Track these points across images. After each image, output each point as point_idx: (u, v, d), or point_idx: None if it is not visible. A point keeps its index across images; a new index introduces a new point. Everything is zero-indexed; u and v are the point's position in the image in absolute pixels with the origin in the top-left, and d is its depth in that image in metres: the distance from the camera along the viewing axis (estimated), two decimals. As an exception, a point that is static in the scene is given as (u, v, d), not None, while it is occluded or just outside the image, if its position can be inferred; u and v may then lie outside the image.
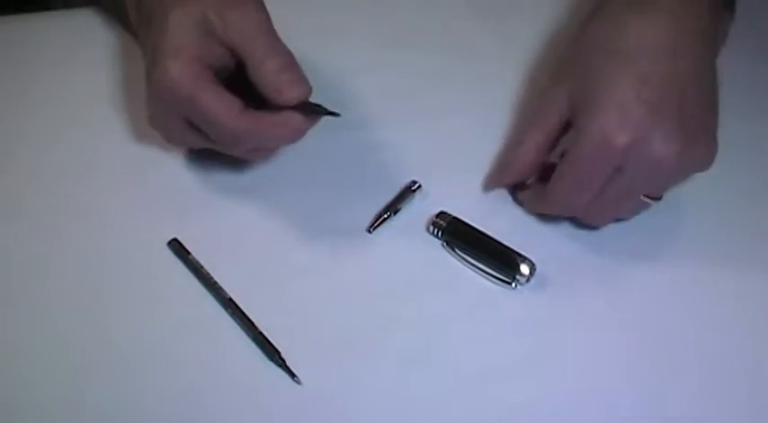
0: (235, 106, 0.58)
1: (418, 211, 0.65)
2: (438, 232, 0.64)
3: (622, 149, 0.58)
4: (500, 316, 0.61)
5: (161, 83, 0.58)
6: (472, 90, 0.73)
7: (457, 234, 0.64)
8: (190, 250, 0.62)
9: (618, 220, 0.64)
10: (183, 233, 0.63)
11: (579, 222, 0.65)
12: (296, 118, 0.58)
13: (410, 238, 0.64)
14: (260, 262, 0.63)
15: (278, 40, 0.60)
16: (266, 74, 0.58)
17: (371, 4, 0.78)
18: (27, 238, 0.63)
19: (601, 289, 0.63)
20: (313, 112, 0.59)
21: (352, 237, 0.64)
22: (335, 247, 0.64)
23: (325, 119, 0.60)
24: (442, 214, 0.64)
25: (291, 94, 0.58)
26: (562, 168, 0.60)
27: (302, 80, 0.59)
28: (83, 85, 0.71)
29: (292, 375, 0.58)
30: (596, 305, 0.62)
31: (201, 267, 0.62)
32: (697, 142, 0.59)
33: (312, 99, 0.60)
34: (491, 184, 0.67)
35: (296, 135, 0.59)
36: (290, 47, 0.60)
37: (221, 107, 0.58)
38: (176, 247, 0.63)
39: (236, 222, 0.64)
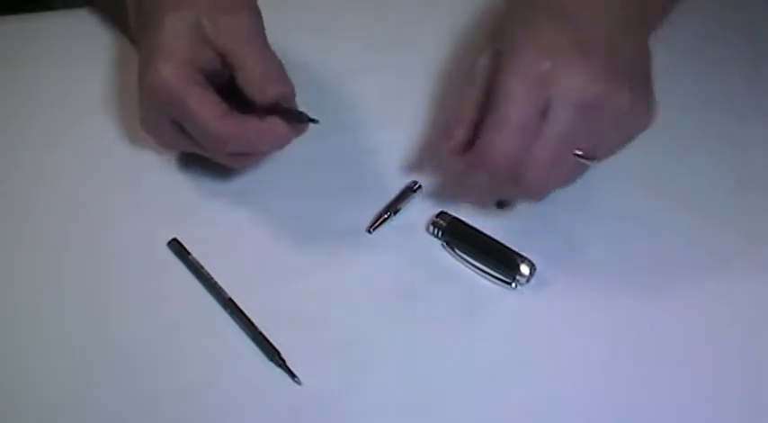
0: (219, 109, 0.59)
1: (418, 211, 0.65)
2: (438, 232, 0.64)
3: (546, 76, 0.56)
4: (500, 316, 0.61)
5: (151, 84, 0.59)
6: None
7: (457, 234, 0.64)
8: (190, 250, 0.62)
9: (555, 188, 0.62)
10: (183, 233, 0.63)
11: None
12: (280, 124, 0.59)
13: (410, 238, 0.64)
14: (260, 262, 0.63)
15: (268, 48, 0.60)
16: (254, 81, 0.59)
17: (371, 5, 0.78)
18: (28, 239, 0.63)
19: (601, 289, 0.62)
20: (295, 118, 0.60)
21: (352, 237, 0.64)
22: (336, 247, 0.64)
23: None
24: (442, 214, 0.64)
25: (273, 91, 0.59)
26: (491, 111, 0.58)
27: (286, 81, 0.60)
28: (84, 84, 0.71)
29: (292, 375, 0.58)
30: (597, 305, 0.62)
31: (201, 267, 0.62)
32: (625, 88, 0.57)
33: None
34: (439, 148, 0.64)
35: (280, 141, 0.60)
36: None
37: (206, 109, 0.58)
38: (176, 247, 0.63)
39: (236, 223, 0.64)
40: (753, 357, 0.60)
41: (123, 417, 0.56)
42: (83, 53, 0.73)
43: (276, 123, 0.59)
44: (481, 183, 0.63)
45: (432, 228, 0.64)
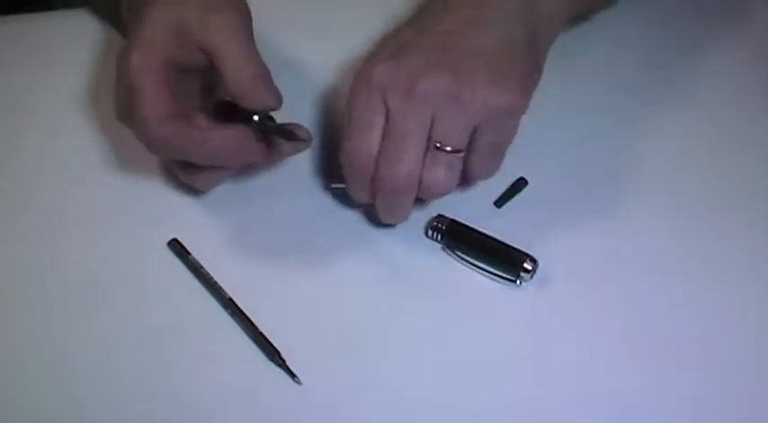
0: (167, 110, 0.57)
1: (416, 215, 0.64)
2: (437, 236, 0.64)
3: (376, 79, 0.58)
4: (504, 314, 0.61)
5: (121, 70, 0.58)
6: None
7: (456, 236, 0.63)
8: (190, 250, 0.62)
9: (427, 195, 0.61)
10: (183, 233, 0.63)
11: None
12: (222, 136, 0.58)
13: (409, 242, 0.64)
14: (260, 262, 0.63)
15: (254, 49, 0.59)
16: (240, 82, 0.58)
17: (371, 1, 0.78)
18: (27, 238, 0.63)
19: (605, 283, 0.62)
20: (284, 136, 0.59)
21: (352, 238, 0.64)
22: (336, 247, 0.64)
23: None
24: (439, 217, 0.64)
25: (260, 99, 0.58)
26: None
27: (273, 91, 0.59)
28: (83, 84, 0.71)
29: (292, 375, 0.58)
30: (601, 299, 0.62)
31: (201, 267, 0.62)
32: (444, 77, 0.58)
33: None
34: None
35: (218, 156, 0.59)
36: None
37: (153, 105, 0.57)
38: (176, 247, 0.63)
39: (235, 222, 0.64)
40: (756, 357, 0.60)
41: (122, 417, 0.56)
42: (83, 53, 0.73)
43: (220, 135, 0.58)
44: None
45: (430, 231, 0.64)
